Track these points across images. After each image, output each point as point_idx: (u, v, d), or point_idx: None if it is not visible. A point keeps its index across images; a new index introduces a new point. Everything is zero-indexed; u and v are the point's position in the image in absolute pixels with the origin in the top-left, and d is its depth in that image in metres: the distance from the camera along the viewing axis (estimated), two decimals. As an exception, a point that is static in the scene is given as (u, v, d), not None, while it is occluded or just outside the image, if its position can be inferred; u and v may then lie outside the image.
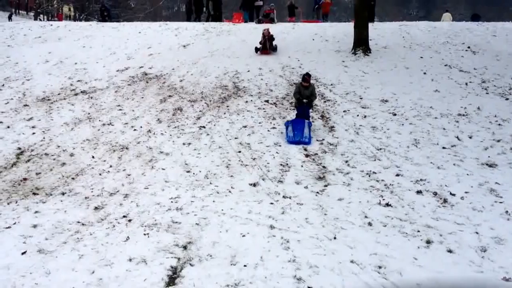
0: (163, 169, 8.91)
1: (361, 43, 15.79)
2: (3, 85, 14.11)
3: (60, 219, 6.98)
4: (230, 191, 7.97)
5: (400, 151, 9.33)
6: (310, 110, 10.93)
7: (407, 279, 5.34)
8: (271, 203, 7.47)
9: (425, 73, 13.71)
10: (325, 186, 8.11)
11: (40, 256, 5.94)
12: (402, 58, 15.06)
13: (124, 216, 7.07)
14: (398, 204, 7.36)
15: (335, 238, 6.37)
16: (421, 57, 15.05)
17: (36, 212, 7.24)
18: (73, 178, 8.59)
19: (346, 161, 9.03)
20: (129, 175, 8.69)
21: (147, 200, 7.67)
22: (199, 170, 8.86)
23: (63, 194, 7.95)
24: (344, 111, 11.48)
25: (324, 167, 8.85)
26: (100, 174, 8.73)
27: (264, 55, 15.93)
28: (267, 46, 16.08)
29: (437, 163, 8.79)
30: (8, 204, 7.58)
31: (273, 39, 16.30)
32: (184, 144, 10.06)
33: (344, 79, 13.62)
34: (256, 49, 16.23)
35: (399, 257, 5.86)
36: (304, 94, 10.73)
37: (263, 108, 11.90)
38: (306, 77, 10.82)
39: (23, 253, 6.00)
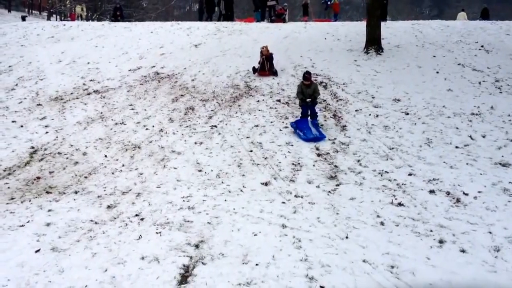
0: (175, 168, 8.94)
1: (374, 42, 15.72)
2: (16, 84, 14.25)
3: (73, 217, 7.03)
4: (241, 190, 7.97)
5: (412, 151, 9.27)
6: (316, 107, 10.92)
7: (420, 279, 5.32)
8: (283, 202, 7.47)
9: (438, 72, 13.61)
10: (337, 185, 8.09)
11: (53, 254, 5.98)
12: (414, 57, 14.97)
13: (136, 215, 7.10)
14: (410, 203, 7.32)
15: (347, 237, 6.35)
16: (434, 56, 14.95)
17: (49, 210, 7.30)
18: (86, 177, 8.64)
19: (358, 161, 8.99)
20: (141, 174, 8.72)
21: (159, 199, 7.70)
22: (211, 169, 8.88)
23: (76, 192, 8.01)
24: (356, 110, 11.43)
25: (336, 166, 8.83)
26: (112, 173, 8.78)
27: (263, 76, 14.14)
28: (265, 66, 14.16)
29: (450, 163, 8.73)
30: (21, 202, 7.65)
31: (273, 58, 14.36)
32: (196, 143, 10.08)
33: (356, 78, 13.56)
34: (254, 70, 14.41)
35: (411, 256, 5.83)
36: (307, 93, 10.71)
37: (275, 108, 11.90)
38: (307, 75, 10.79)
39: (36, 251, 6.05)
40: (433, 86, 12.67)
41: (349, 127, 10.54)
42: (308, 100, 10.67)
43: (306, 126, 10.28)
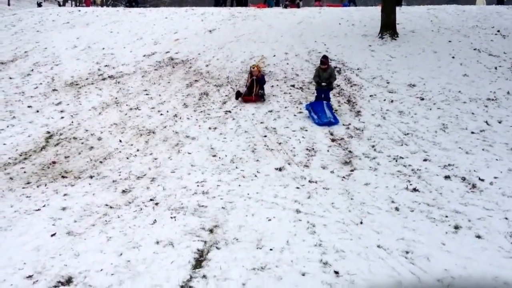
0: (189, 153, 8.96)
1: (389, 27, 15.53)
2: (32, 70, 14.35)
3: (88, 201, 7.08)
4: (256, 176, 7.97)
5: (427, 136, 9.19)
6: (331, 92, 10.87)
7: (434, 265, 5.29)
8: (297, 188, 7.46)
9: (453, 57, 13.43)
10: (351, 171, 8.05)
11: (69, 238, 6.04)
12: (430, 42, 14.77)
13: (151, 200, 7.14)
14: (425, 189, 7.27)
15: (361, 222, 6.33)
16: (450, 41, 14.74)
17: (65, 195, 7.36)
18: (101, 162, 8.70)
19: (373, 146, 8.94)
20: (155, 159, 8.76)
21: (173, 183, 7.73)
22: (225, 155, 8.89)
23: (91, 177, 8.07)
24: (370, 96, 11.34)
25: (350, 151, 8.79)
26: (127, 158, 8.82)
27: (248, 103, 11.53)
28: (253, 90, 11.54)
29: (466, 148, 8.64)
30: (37, 187, 7.72)
31: (264, 81, 11.84)
32: (210, 128, 10.09)
33: (371, 63, 13.44)
34: (238, 94, 11.74)
35: (426, 242, 5.80)
36: (323, 77, 10.67)
37: (289, 93, 11.85)
38: (323, 59, 10.76)
39: (52, 235, 6.10)
40: (449, 71, 12.51)
41: (364, 113, 10.47)
42: (323, 84, 10.63)
43: (321, 109, 10.24)
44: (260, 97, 11.53)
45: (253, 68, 11.81)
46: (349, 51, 14.56)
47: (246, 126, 10.15)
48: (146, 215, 6.63)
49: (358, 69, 13.12)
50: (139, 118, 10.74)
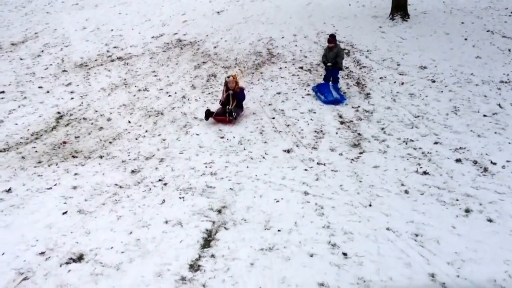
0: (197, 134, 8.95)
1: (399, 8, 15.33)
2: (42, 51, 14.36)
3: (98, 181, 7.12)
4: (263, 157, 7.96)
5: (439, 119, 9.11)
6: (340, 72, 10.73)
7: (444, 248, 5.27)
8: (305, 170, 7.44)
9: (466, 39, 13.26)
10: (360, 153, 8.01)
11: (80, 216, 6.09)
12: (442, 24, 14.58)
13: (160, 180, 7.16)
14: (436, 172, 7.22)
15: (370, 205, 6.31)
16: (462, 23, 14.53)
17: (75, 174, 7.40)
18: (110, 142, 8.72)
19: (382, 128, 8.88)
20: (164, 140, 8.76)
21: (182, 164, 7.74)
22: (233, 136, 8.87)
23: (101, 157, 8.09)
24: (380, 78, 11.24)
25: (359, 134, 8.73)
26: (136, 139, 8.83)
27: (221, 123, 9.46)
28: (226, 109, 9.36)
29: (478, 131, 8.55)
30: (49, 166, 7.76)
31: (243, 97, 9.85)
32: (218, 110, 10.06)
33: (381, 45, 13.30)
34: (208, 114, 9.37)
35: (436, 225, 5.77)
36: (329, 57, 10.54)
37: (297, 75, 11.77)
38: (330, 38, 10.59)
39: (64, 213, 6.15)
40: (461, 53, 12.36)
41: (373, 95, 10.38)
42: (328, 64, 10.52)
43: (327, 90, 10.21)
44: (233, 117, 9.34)
45: (229, 78, 9.70)
46: (359, 32, 14.41)
47: (254, 108, 10.11)
48: (155, 195, 6.66)
49: (368, 51, 12.99)
50: (148, 100, 10.74)
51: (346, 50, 12.93)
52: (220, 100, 9.88)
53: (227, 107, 9.39)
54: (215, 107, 9.82)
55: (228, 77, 9.77)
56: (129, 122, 9.62)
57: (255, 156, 8.01)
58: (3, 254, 5.08)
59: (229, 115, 9.34)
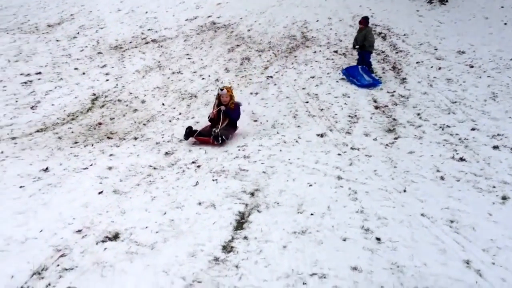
0: (231, 117, 8.96)
1: (438, -9, 14.98)
2: (78, 33, 14.55)
3: (133, 162, 7.20)
4: (297, 141, 7.93)
5: (476, 105, 8.90)
6: (373, 58, 10.55)
7: (480, 235, 5.17)
8: (339, 154, 7.38)
9: (505, 24, 12.87)
10: (395, 138, 7.90)
11: (115, 196, 6.17)
12: (481, 8, 14.17)
13: (193, 162, 7.21)
14: (473, 159, 7.07)
15: (405, 191, 6.23)
16: (502, 7, 14.09)
17: (110, 155, 7.50)
18: (144, 124, 8.82)
19: (418, 114, 8.73)
20: (197, 122, 8.81)
21: (214, 147, 7.76)
22: (266, 120, 8.86)
23: (135, 138, 8.19)
24: (417, 63, 11.03)
25: (394, 119, 8.61)
26: (170, 121, 8.91)
27: (204, 144, 7.98)
28: (213, 131, 7.89)
29: (517, 118, 8.34)
30: (84, 146, 7.90)
31: (238, 115, 8.46)
32: (251, 93, 10.06)
33: (418, 29, 13.03)
34: (189, 132, 7.93)
35: (472, 212, 5.66)
36: (358, 39, 10.41)
37: (332, 59, 11.65)
38: (361, 19, 10.45)
39: (99, 193, 6.25)
40: (501, 38, 12.00)
41: (409, 80, 10.20)
42: (356, 47, 10.38)
43: (358, 73, 10.09)
44: (218, 140, 7.78)
45: (222, 90, 8.27)
46: (396, 16, 14.13)
47: (287, 91, 10.06)
48: (188, 177, 6.71)
49: (404, 35, 12.74)
50: (181, 82, 10.80)
51: (383, 34, 12.71)
52: (209, 116, 8.33)
53: (214, 129, 7.93)
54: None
55: (222, 89, 8.30)
56: (163, 104, 9.70)
57: (288, 140, 7.99)
58: (41, 231, 5.20)
59: (215, 138, 7.80)
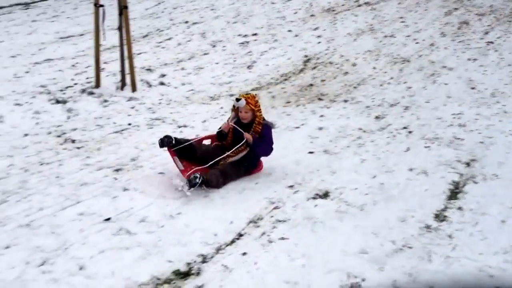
0: (445, 84, 8.59)
1: None
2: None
3: (343, 124, 7.34)
4: (520, 112, 7.29)
5: None
6: None
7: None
8: None
9: None
10: None
11: (325, 156, 6.38)
12: None
13: (404, 128, 7.10)
14: None
15: None
16: None
17: (321, 116, 7.72)
18: (355, 87, 8.90)
19: None
20: (409, 88, 8.61)
21: (427, 113, 7.54)
22: (485, 88, 8.30)
23: (345, 101, 8.32)
24: None
25: None
26: (380, 85, 8.85)
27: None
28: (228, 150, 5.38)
29: None
30: (296, 106, 8.26)
31: (268, 147, 5.64)
32: (469, 59, 9.51)
33: None
34: (167, 142, 5.10)
35: None
36: None
37: None
38: None
39: (310, 152, 6.52)
40: None
41: None
42: None
43: None
44: (193, 186, 4.79)
45: (238, 101, 5.29)
46: None
47: (510, 58, 9.25)
48: (399, 142, 6.65)
49: None
50: (394, 46, 10.60)
51: None
52: (220, 127, 5.63)
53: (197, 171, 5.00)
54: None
55: (238, 98, 5.33)
56: (374, 68, 9.65)
57: (509, 110, 7.40)
58: (256, 183, 5.61)
59: (189, 182, 4.79)
